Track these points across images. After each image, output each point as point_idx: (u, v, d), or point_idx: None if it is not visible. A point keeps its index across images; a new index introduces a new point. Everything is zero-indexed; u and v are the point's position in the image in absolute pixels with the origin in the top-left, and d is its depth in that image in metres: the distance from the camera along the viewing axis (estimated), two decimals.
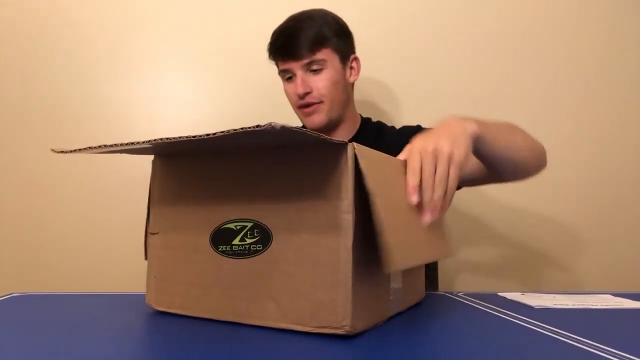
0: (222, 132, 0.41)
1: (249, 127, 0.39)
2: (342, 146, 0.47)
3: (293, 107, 1.04)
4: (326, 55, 0.99)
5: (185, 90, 1.41)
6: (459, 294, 0.79)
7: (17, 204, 1.36)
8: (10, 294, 0.73)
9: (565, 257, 1.44)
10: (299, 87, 0.98)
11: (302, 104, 1.00)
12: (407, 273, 0.63)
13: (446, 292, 0.82)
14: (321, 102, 0.99)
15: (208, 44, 1.41)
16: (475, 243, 1.44)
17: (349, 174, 0.47)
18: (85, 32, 1.39)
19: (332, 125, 1.04)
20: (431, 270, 1.18)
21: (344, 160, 0.47)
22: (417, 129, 1.02)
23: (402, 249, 0.49)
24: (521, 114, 1.45)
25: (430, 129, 0.97)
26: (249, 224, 0.52)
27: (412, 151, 0.58)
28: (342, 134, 1.07)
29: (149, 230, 0.61)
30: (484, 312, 0.64)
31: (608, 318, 0.62)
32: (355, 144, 0.48)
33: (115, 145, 0.49)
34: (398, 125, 1.13)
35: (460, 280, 1.42)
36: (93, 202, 1.37)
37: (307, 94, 0.98)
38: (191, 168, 0.58)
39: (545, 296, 0.77)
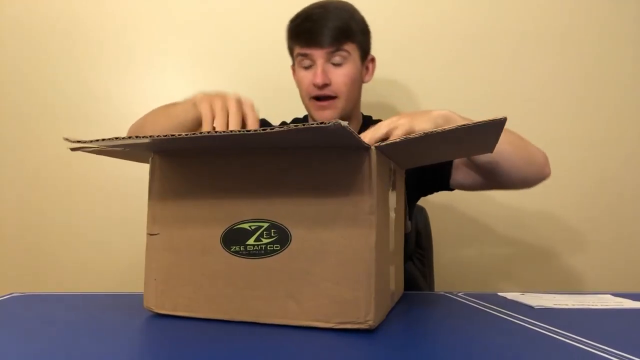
0: (281, 127, 0.42)
1: (312, 124, 0.41)
2: (366, 149, 0.50)
3: (304, 96, 1.00)
4: (350, 49, 0.96)
5: (185, 91, 1.40)
6: (459, 294, 0.79)
7: (17, 204, 1.36)
8: (10, 294, 0.73)
9: (565, 257, 1.44)
10: (318, 76, 0.93)
11: (317, 95, 0.96)
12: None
13: (446, 292, 0.82)
14: (336, 97, 0.96)
15: (208, 44, 1.41)
16: (475, 243, 1.44)
17: (373, 176, 0.49)
18: (85, 32, 1.39)
19: (341, 119, 1.02)
20: (426, 268, 1.18)
21: (367, 162, 0.49)
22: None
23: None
24: (522, 114, 1.45)
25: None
26: (266, 224, 0.52)
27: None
28: None
29: (147, 231, 0.60)
30: (484, 312, 0.64)
31: (608, 318, 0.62)
32: (375, 147, 0.50)
33: (134, 137, 0.49)
34: None
35: (460, 280, 1.42)
36: (93, 202, 1.37)
37: (325, 85, 0.94)
38: (196, 167, 0.57)
39: (545, 296, 0.77)
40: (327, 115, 0.97)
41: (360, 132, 1.07)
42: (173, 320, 0.55)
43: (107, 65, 1.39)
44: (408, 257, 1.15)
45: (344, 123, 0.41)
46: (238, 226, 0.53)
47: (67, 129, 1.34)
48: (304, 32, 0.95)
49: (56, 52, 1.38)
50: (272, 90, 1.41)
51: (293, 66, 1.04)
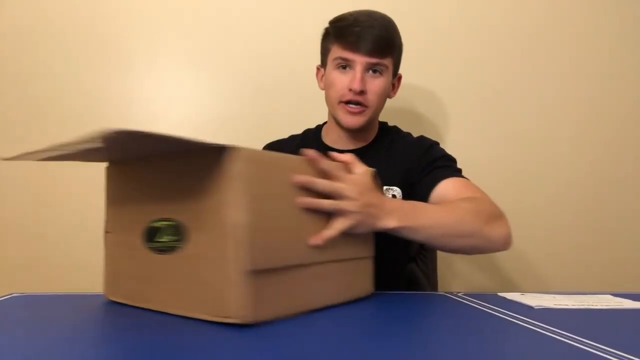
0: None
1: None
2: (230, 150, 0.52)
3: (334, 97, 0.98)
4: (388, 63, 0.96)
5: (186, 91, 1.41)
6: (459, 294, 0.79)
7: (17, 204, 1.36)
8: (10, 294, 0.73)
9: (565, 257, 1.44)
10: (357, 82, 0.93)
11: (351, 100, 0.95)
12: (339, 268, 0.66)
13: (446, 292, 0.82)
14: (367, 106, 0.96)
15: (209, 44, 1.41)
16: None
17: (236, 177, 0.52)
18: (85, 32, 1.39)
19: (363, 129, 1.01)
20: (430, 269, 1.18)
21: (230, 164, 0.52)
22: (431, 145, 1.02)
23: (265, 248, 0.54)
24: (523, 114, 1.45)
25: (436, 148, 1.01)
26: (171, 223, 0.58)
27: (340, 189, 0.64)
28: (362, 138, 1.04)
29: (105, 229, 0.69)
30: (484, 312, 0.64)
31: (608, 318, 0.62)
32: (244, 148, 0.52)
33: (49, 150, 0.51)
34: (414, 130, 1.11)
35: (460, 280, 1.43)
36: (93, 202, 1.36)
37: (362, 92, 0.94)
38: (131, 173, 0.65)
39: (545, 296, 0.77)
40: (357, 120, 0.97)
41: (376, 138, 1.05)
42: (172, 320, 0.55)
43: (107, 65, 1.39)
44: (412, 258, 1.15)
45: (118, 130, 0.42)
46: (152, 224, 0.60)
47: (67, 129, 1.34)
48: (350, 35, 0.94)
49: (56, 52, 1.38)
50: (272, 91, 1.41)
51: (322, 66, 1.04)
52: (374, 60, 0.94)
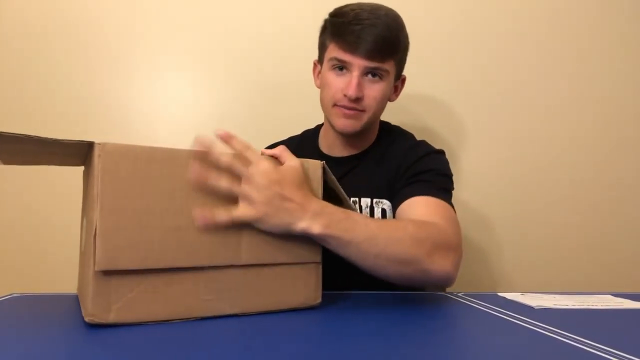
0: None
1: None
2: (96, 146, 0.52)
3: (328, 100, 0.91)
4: (390, 67, 0.88)
5: (185, 91, 1.41)
6: (459, 294, 0.79)
7: (17, 204, 1.36)
8: (10, 294, 0.73)
9: (565, 258, 1.44)
10: (353, 88, 0.85)
11: (344, 105, 0.88)
12: (256, 274, 0.60)
13: (446, 292, 0.82)
14: (363, 111, 0.89)
15: (209, 44, 1.41)
16: (475, 243, 1.44)
17: (97, 174, 0.51)
18: (85, 32, 1.39)
19: (358, 135, 0.94)
20: None
21: (95, 160, 0.51)
22: (426, 154, 0.91)
23: (130, 248, 0.52)
24: (526, 116, 1.45)
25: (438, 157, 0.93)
26: (85, 222, 0.61)
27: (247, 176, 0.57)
28: (360, 140, 0.98)
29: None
30: (484, 312, 0.64)
31: (608, 318, 0.62)
32: (110, 143, 0.51)
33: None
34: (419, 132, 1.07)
35: (460, 280, 1.42)
36: None
37: (357, 99, 0.87)
38: (85, 177, 0.67)
39: (545, 296, 0.77)
40: (351, 124, 0.89)
41: (375, 141, 0.98)
42: (171, 324, 0.56)
43: (106, 65, 1.39)
44: None
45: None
46: (81, 224, 0.66)
47: (67, 129, 1.34)
48: (348, 34, 0.85)
49: (55, 52, 1.38)
50: (272, 91, 1.41)
51: (319, 61, 0.97)
52: (373, 64, 0.86)
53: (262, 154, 0.62)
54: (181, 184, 0.55)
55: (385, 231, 0.64)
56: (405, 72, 0.98)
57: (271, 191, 0.57)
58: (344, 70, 0.88)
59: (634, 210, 1.46)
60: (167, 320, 0.55)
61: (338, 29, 0.87)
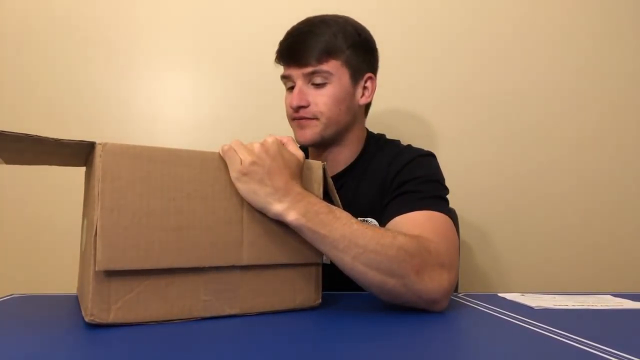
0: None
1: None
2: (96, 146, 0.52)
3: (288, 118, 0.92)
4: (333, 68, 0.85)
5: (185, 91, 1.41)
6: (459, 295, 0.79)
7: (18, 204, 1.36)
8: (10, 295, 0.73)
9: (565, 258, 1.44)
10: (294, 98, 0.85)
11: (294, 117, 0.88)
12: (256, 275, 0.60)
13: None
14: (315, 118, 0.86)
15: (209, 44, 1.41)
16: (475, 244, 1.44)
17: (97, 174, 0.51)
18: (85, 31, 1.39)
19: (328, 143, 0.90)
20: None
21: (96, 160, 0.52)
22: (412, 160, 0.85)
23: (128, 248, 0.52)
24: (525, 114, 1.45)
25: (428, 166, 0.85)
26: (86, 223, 0.61)
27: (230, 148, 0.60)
28: (343, 155, 0.93)
29: None
30: (484, 313, 0.64)
31: (608, 318, 0.62)
32: (110, 143, 0.51)
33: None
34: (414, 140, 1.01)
35: (461, 281, 1.42)
36: None
37: (300, 107, 0.85)
38: (86, 177, 0.67)
39: (545, 297, 0.77)
40: (306, 134, 0.87)
41: (362, 154, 0.92)
42: (171, 324, 0.56)
43: (106, 65, 1.39)
44: None
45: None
46: (82, 225, 0.66)
47: (66, 129, 1.34)
48: (284, 51, 0.88)
49: (55, 52, 1.38)
50: (272, 91, 1.41)
51: None
52: (309, 69, 0.84)
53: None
54: (181, 184, 0.55)
55: (369, 234, 0.60)
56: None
57: (267, 159, 0.59)
58: (293, 86, 0.88)
59: (634, 211, 1.46)
60: (167, 321, 0.55)
61: (278, 49, 0.90)
